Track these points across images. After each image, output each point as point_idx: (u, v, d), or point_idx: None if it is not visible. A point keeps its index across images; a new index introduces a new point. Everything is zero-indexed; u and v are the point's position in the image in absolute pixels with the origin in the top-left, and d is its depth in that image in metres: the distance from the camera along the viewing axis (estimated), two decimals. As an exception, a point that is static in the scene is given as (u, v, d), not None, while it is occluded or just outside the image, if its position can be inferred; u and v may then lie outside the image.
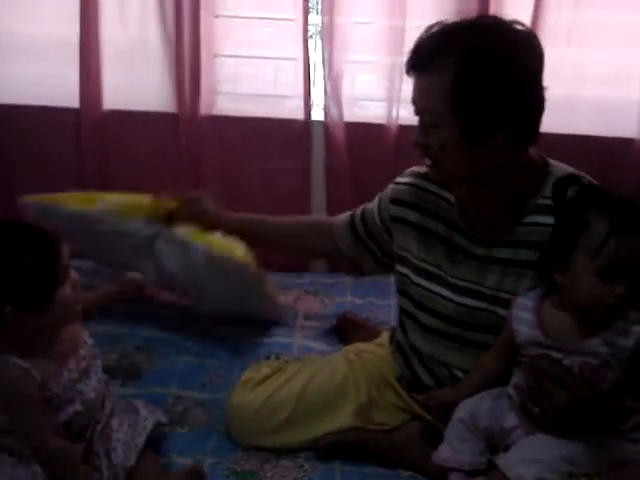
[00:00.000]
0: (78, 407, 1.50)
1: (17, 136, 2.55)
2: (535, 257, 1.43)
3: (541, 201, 1.46)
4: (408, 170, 1.71)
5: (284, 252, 2.18)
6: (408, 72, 1.44)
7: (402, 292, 1.70)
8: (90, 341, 1.59)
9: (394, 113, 2.46)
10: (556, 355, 1.36)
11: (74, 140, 2.53)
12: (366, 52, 2.43)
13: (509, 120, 1.38)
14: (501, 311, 1.49)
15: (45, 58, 2.45)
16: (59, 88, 2.46)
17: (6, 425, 1.44)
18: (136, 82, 2.49)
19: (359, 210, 1.83)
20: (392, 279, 2.41)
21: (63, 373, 1.48)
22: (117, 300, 1.76)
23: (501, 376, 1.47)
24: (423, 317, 1.62)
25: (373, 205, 1.78)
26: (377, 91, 2.48)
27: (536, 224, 1.45)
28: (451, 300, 1.56)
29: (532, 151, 1.50)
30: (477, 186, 1.51)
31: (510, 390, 1.44)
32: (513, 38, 1.38)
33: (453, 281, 1.56)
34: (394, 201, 1.69)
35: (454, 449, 1.45)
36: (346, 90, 2.46)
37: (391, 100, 2.45)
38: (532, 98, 1.40)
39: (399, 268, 1.68)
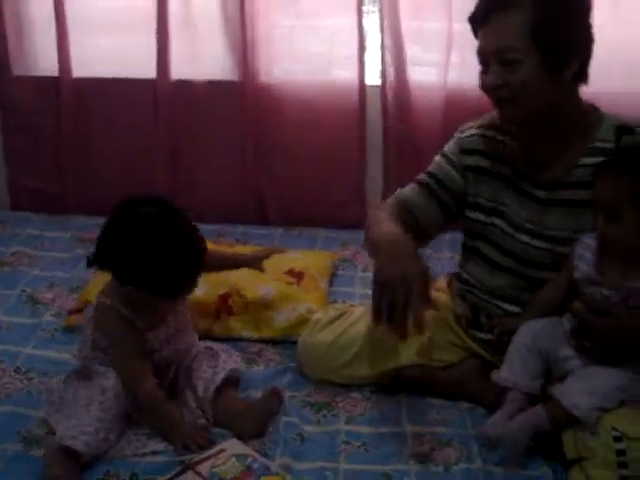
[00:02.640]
0: (167, 355, 1.68)
1: (93, 106, 2.73)
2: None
3: (599, 144, 1.58)
4: (466, 125, 1.80)
5: None
6: (481, 19, 1.55)
7: (471, 234, 1.79)
8: (188, 296, 1.74)
9: (443, 78, 2.56)
10: (606, 292, 1.49)
11: (150, 110, 2.70)
12: (418, 18, 2.52)
13: (579, 48, 1.53)
14: (561, 249, 1.61)
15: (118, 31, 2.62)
16: (133, 59, 2.63)
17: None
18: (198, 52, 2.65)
19: (424, 176, 1.82)
20: (445, 236, 2.57)
21: (161, 328, 1.65)
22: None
23: (560, 308, 1.60)
24: (490, 252, 1.73)
25: (440, 163, 1.80)
26: (428, 56, 2.58)
27: (593, 165, 1.55)
28: (513, 237, 1.68)
29: (584, 101, 1.62)
30: (539, 128, 1.61)
31: (565, 322, 1.58)
32: None
33: (517, 220, 1.68)
34: (465, 151, 1.76)
35: (513, 370, 1.59)
36: (400, 55, 2.55)
37: (441, 65, 2.55)
38: (591, 34, 1.54)
39: (469, 214, 1.77)
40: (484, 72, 1.57)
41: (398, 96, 2.59)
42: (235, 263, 1.92)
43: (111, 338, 1.62)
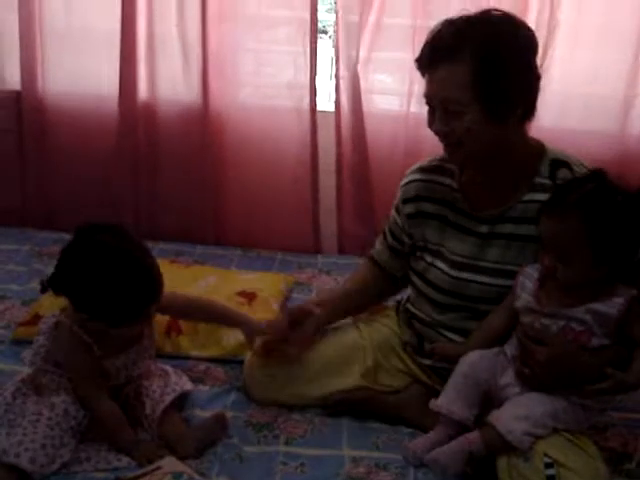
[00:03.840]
0: (122, 380, 1.69)
1: (55, 122, 2.73)
2: (535, 232, 1.57)
3: (539, 180, 1.62)
4: (408, 170, 1.85)
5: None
6: (425, 66, 1.58)
7: (415, 271, 1.83)
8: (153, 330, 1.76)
9: (405, 107, 2.60)
10: (545, 321, 1.53)
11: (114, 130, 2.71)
12: (378, 48, 2.56)
13: (522, 97, 1.55)
14: (503, 281, 1.64)
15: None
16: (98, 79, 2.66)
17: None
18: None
19: (387, 233, 1.90)
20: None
21: (121, 357, 1.66)
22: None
23: (503, 336, 1.63)
24: (430, 292, 1.77)
25: (393, 214, 1.87)
26: (388, 86, 2.64)
27: (535, 201, 1.59)
28: (449, 275, 1.72)
29: (530, 137, 1.67)
30: (484, 166, 1.65)
31: (507, 350, 1.60)
32: (516, 26, 1.56)
33: (453, 257, 1.71)
34: (406, 201, 1.81)
35: (449, 397, 1.61)
36: (358, 84, 2.59)
37: (402, 95, 2.59)
38: (536, 75, 1.58)
39: (418, 253, 1.81)
40: (431, 113, 1.61)
41: (353, 125, 2.64)
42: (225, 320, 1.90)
43: (65, 357, 1.62)
